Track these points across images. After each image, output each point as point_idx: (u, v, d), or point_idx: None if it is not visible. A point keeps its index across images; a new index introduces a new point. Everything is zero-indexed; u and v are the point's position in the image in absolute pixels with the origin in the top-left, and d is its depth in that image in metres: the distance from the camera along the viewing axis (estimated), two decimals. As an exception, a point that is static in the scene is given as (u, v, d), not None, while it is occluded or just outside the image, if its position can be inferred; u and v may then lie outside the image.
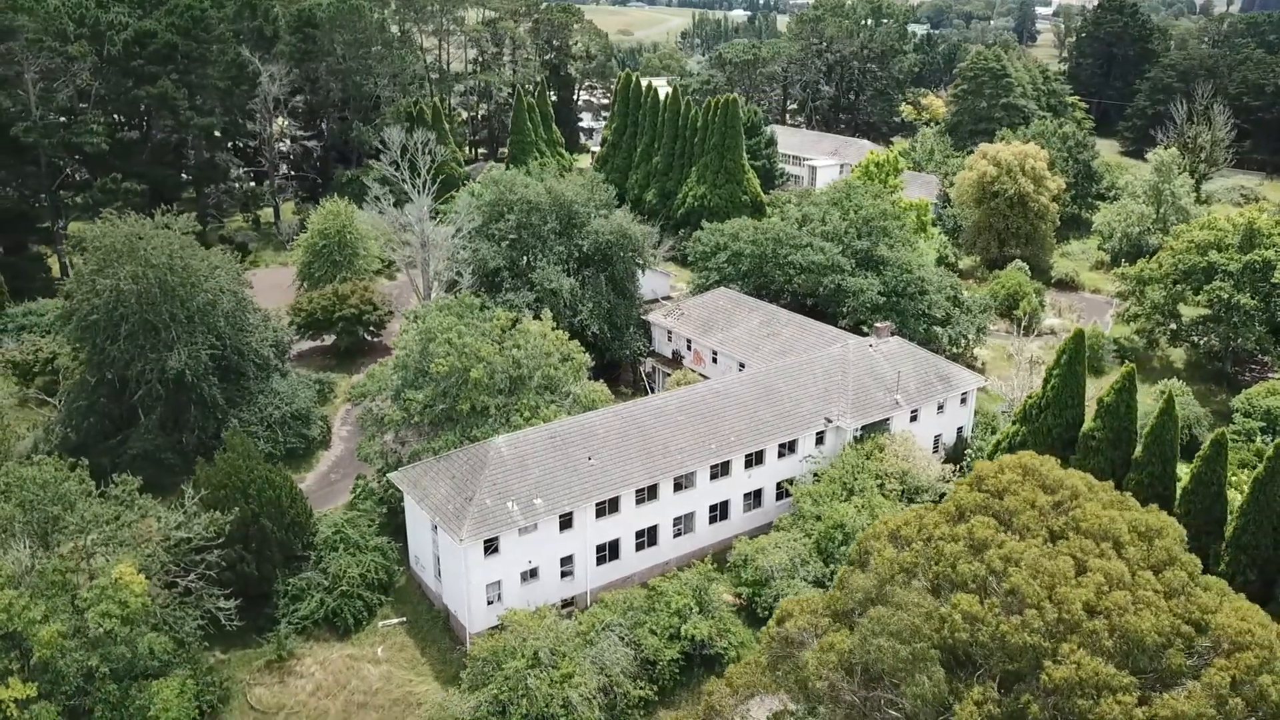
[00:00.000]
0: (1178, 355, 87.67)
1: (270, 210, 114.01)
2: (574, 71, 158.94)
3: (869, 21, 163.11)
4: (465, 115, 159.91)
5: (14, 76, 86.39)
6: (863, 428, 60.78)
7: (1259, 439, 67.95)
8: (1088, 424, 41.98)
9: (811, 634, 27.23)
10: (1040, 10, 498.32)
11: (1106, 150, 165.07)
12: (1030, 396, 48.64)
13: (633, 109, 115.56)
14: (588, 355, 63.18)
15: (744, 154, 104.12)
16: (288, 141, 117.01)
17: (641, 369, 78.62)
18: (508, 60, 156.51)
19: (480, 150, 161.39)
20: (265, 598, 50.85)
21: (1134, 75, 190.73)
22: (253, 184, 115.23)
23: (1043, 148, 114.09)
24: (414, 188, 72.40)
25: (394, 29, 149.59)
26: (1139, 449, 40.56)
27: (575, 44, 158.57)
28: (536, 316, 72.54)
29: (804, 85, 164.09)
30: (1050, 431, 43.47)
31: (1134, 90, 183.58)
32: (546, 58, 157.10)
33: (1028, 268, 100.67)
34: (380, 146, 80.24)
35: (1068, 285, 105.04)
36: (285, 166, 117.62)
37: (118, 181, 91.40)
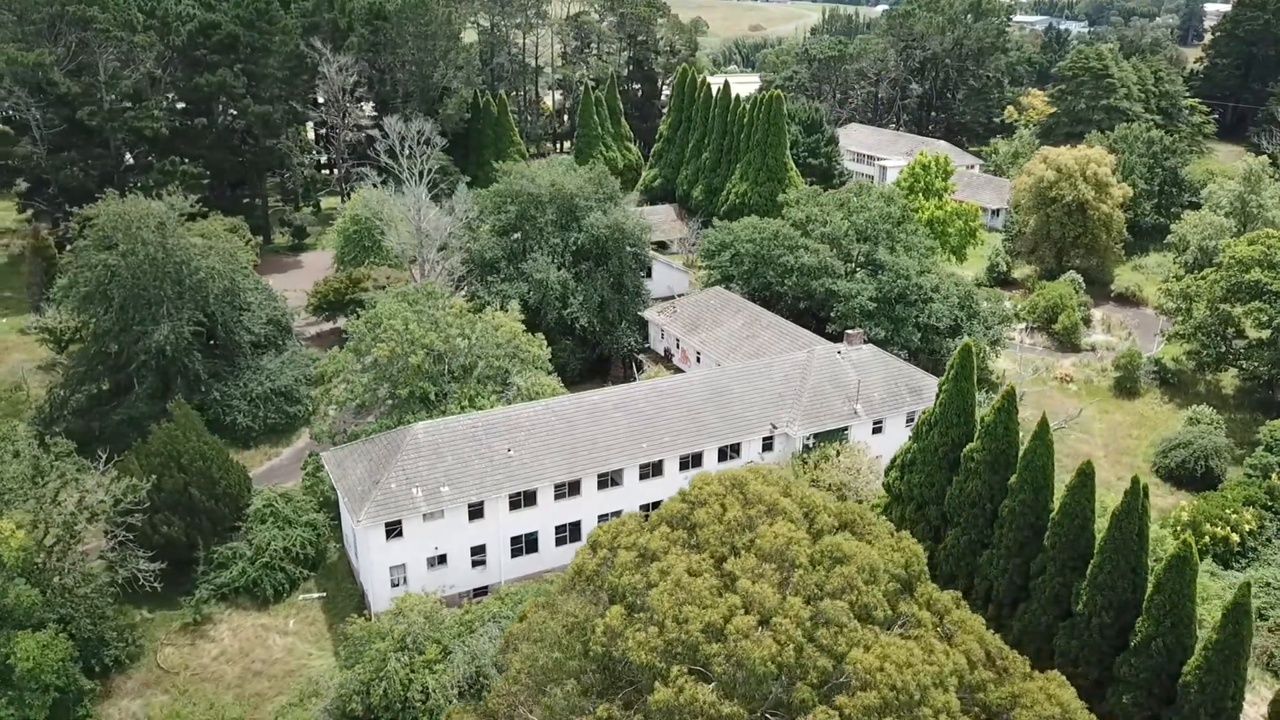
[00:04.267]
0: (1229, 381, 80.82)
1: (338, 197, 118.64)
2: (657, 66, 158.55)
3: (969, 18, 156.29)
4: (548, 109, 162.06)
5: (86, 64, 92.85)
6: (816, 436, 58.73)
7: (1275, 475, 62.08)
8: (973, 444, 39.28)
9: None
10: (1210, 7, 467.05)
11: (1231, 158, 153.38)
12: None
13: (686, 104, 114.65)
14: (547, 347, 63.40)
15: (786, 152, 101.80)
16: (354, 130, 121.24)
17: (634, 365, 78.10)
18: (592, 55, 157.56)
19: (564, 144, 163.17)
20: (193, 563, 53.20)
21: (1274, 77, 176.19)
22: (316, 170, 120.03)
23: (1116, 152, 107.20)
24: (410, 177, 74.02)
25: (484, 21, 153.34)
26: (1014, 475, 37.69)
27: (660, 38, 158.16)
28: (526, 307, 73.48)
29: (892, 83, 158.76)
30: (937, 450, 40.91)
31: (1270, 93, 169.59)
32: (628, 53, 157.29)
33: (1081, 279, 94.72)
34: (379, 135, 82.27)
35: (1129, 300, 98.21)
36: (350, 155, 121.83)
37: (175, 164, 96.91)
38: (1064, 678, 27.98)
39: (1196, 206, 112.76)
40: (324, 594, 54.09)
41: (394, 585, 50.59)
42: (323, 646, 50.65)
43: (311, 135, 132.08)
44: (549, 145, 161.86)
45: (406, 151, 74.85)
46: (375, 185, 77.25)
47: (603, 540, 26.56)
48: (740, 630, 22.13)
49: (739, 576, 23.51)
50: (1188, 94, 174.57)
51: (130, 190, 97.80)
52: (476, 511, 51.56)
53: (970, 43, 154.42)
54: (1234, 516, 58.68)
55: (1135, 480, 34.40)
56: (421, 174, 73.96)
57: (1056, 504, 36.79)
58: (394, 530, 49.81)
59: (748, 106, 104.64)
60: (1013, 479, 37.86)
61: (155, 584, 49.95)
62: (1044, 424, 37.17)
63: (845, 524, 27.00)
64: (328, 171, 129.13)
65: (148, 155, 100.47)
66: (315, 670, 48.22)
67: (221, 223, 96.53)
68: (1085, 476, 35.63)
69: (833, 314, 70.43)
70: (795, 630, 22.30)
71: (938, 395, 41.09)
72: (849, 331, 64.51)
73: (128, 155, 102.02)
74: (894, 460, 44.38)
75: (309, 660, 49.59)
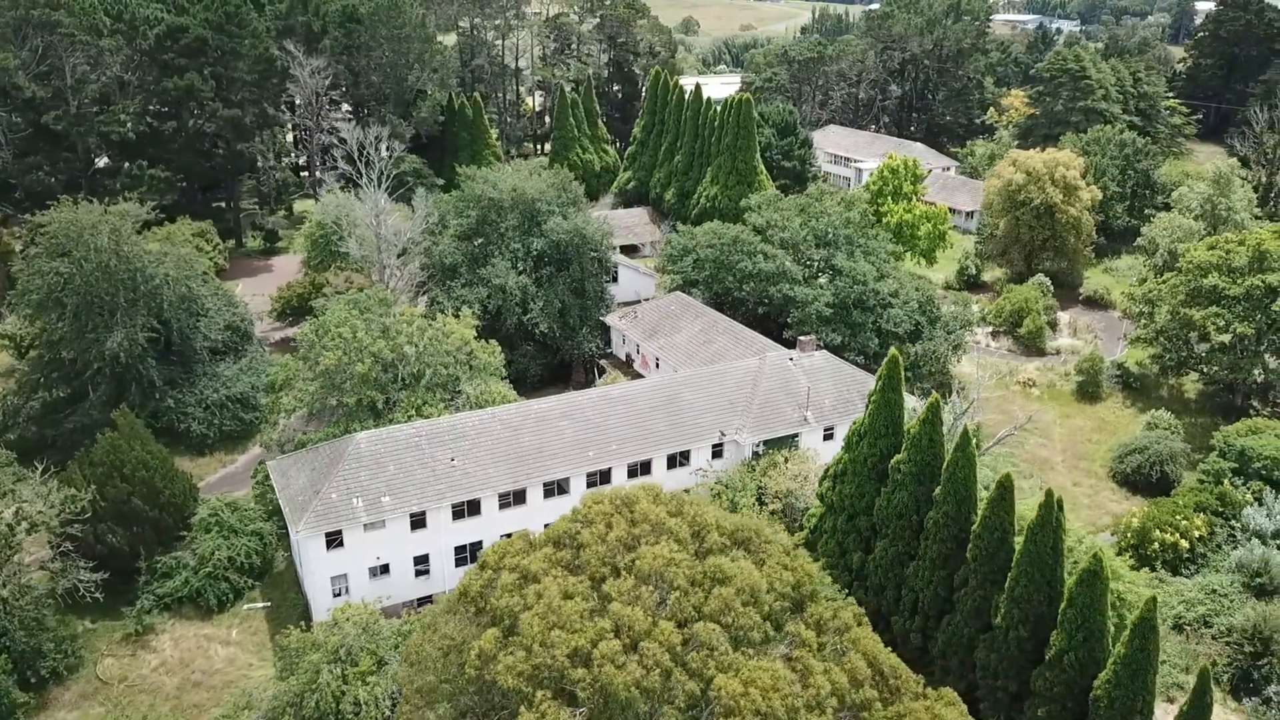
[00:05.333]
0: (1191, 385, 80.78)
1: (313, 200, 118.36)
2: (637, 68, 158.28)
3: (948, 19, 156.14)
4: (532, 110, 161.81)
5: (54, 68, 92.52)
6: (766, 443, 58.65)
7: (1227, 481, 62.08)
8: (900, 456, 39.19)
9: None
10: (1200, 6, 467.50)
11: (1211, 159, 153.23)
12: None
13: (660, 107, 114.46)
14: (500, 354, 63.36)
15: (756, 155, 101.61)
16: (328, 134, 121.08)
17: (596, 370, 78.00)
18: (572, 56, 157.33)
19: (545, 145, 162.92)
20: (137, 573, 53.05)
21: (1255, 78, 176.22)
22: (294, 173, 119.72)
23: (1089, 154, 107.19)
24: (369, 182, 73.87)
25: (463, 23, 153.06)
26: (938, 488, 37.60)
27: (640, 40, 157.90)
28: (486, 312, 73.35)
29: (872, 84, 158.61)
30: (866, 461, 40.82)
31: (1250, 94, 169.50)
32: (609, 55, 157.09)
33: (1050, 282, 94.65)
34: (337, 142, 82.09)
35: (1097, 303, 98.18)
36: (324, 157, 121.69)
37: (143, 168, 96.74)
38: (955, 695, 27.91)
39: (1169, 209, 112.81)
40: (269, 604, 53.97)
41: (336, 595, 50.49)
42: (264, 657, 50.53)
43: (291, 138, 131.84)
44: (530, 147, 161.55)
45: (364, 157, 74.67)
46: (340, 189, 76.98)
47: (490, 560, 26.49)
48: (606, 655, 22.06)
49: (614, 599, 23.42)
50: (1171, 95, 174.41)
51: (99, 195, 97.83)
52: (419, 521, 51.44)
53: (949, 44, 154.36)
54: (1184, 523, 58.70)
55: (1049, 494, 34.31)
56: (380, 179, 73.75)
57: (978, 516, 36.71)
58: (335, 540, 49.70)
59: (719, 109, 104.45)
60: (936, 491, 37.80)
61: (96, 594, 49.97)
62: (966, 436, 37.08)
63: (739, 541, 26.92)
64: (305, 174, 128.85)
65: (117, 159, 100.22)
66: (253, 681, 48.11)
67: (190, 227, 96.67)
68: (1004, 490, 35.54)
69: (790, 320, 70.34)
70: (664, 654, 22.22)
71: (867, 405, 41.00)
72: (801, 338, 64.44)
73: (104, 158, 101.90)
74: (827, 470, 44.34)
75: (249, 671, 49.47)
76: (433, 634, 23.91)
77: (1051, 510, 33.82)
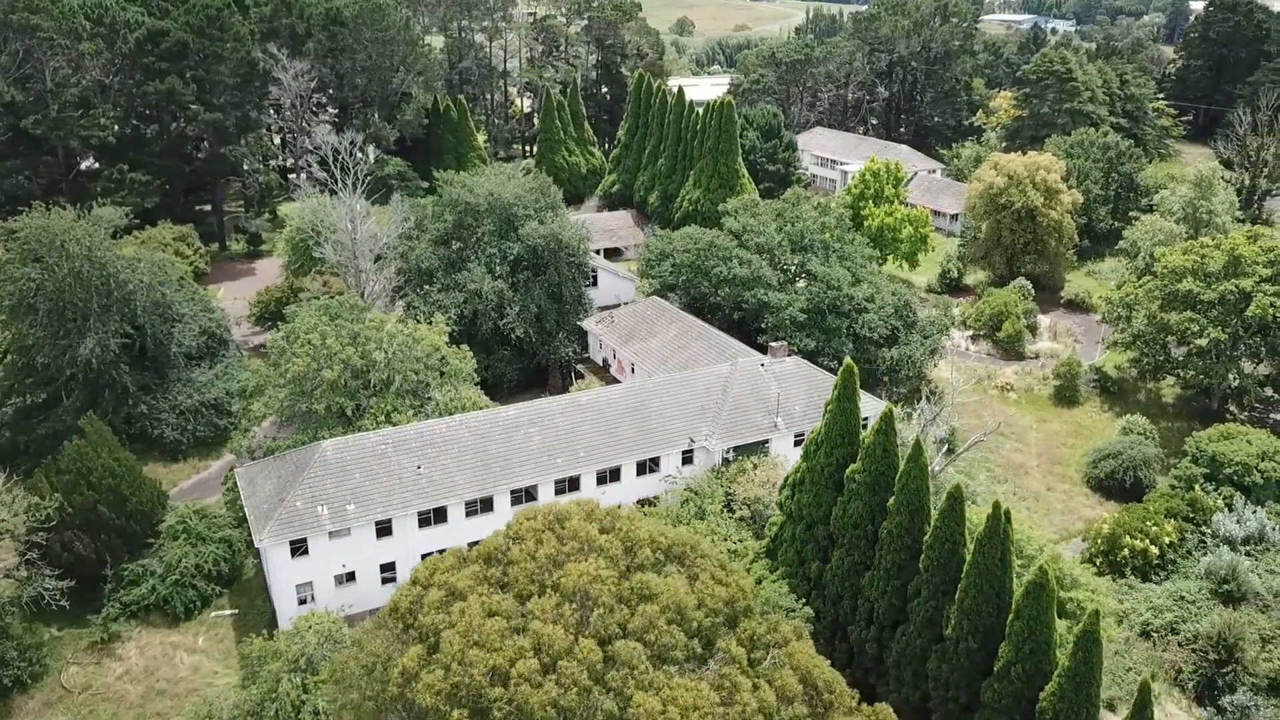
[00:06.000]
0: (1169, 389, 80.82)
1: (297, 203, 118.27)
2: (625, 70, 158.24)
3: (935, 20, 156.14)
4: (519, 112, 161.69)
5: (31, 73, 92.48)
6: (736, 449, 58.67)
7: (1198, 487, 62.09)
8: (854, 466, 39.21)
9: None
10: (1195, 6, 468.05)
11: (1199, 161, 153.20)
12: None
13: (643, 110, 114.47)
14: (472, 360, 63.34)
15: (738, 159, 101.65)
16: (309, 137, 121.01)
17: (574, 375, 77.95)
18: (559, 59, 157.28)
19: (533, 147, 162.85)
20: (104, 580, 53.02)
21: (1244, 80, 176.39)
22: (281, 176, 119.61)
23: (1072, 156, 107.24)
24: (344, 187, 73.81)
25: (450, 25, 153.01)
26: (892, 498, 37.62)
27: (628, 42, 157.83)
28: (463, 317, 73.33)
29: (860, 86, 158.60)
30: (823, 470, 40.85)
31: (1238, 95, 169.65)
32: (596, 57, 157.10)
33: (1031, 286, 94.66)
34: (311, 147, 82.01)
35: (1079, 306, 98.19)
36: (308, 160, 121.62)
37: (124, 172, 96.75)
38: (890, 711, 27.94)
39: (1153, 211, 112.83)
40: (237, 611, 53.95)
41: (301, 602, 50.50)
42: (229, 665, 50.50)
43: (279, 141, 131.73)
44: (519, 149, 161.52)
45: (339, 163, 74.61)
46: (320, 192, 76.91)
47: (421, 576, 26.51)
48: (522, 674, 22.08)
49: (537, 617, 23.43)
50: (1160, 96, 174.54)
51: (80, 199, 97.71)
52: (385, 529, 51.44)
53: (937, 45, 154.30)
54: (1154, 529, 58.73)
55: (997, 505, 34.32)
56: (356, 184, 73.72)
57: (930, 527, 36.73)
58: (300, 548, 49.70)
59: (701, 112, 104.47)
60: (890, 501, 37.82)
61: (61, 602, 50.00)
62: (918, 447, 37.09)
63: (675, 556, 26.91)
64: (293, 176, 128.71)
65: (99, 163, 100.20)
66: (216, 690, 48.07)
67: (170, 230, 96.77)
68: (954, 501, 35.54)
69: (764, 325, 70.35)
70: (582, 673, 22.24)
71: (824, 414, 41.01)
72: (772, 344, 64.45)
73: (91, 161, 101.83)
74: (787, 479, 44.36)
75: (214, 679, 49.44)
76: (358, 651, 23.92)
77: (999, 522, 33.81)
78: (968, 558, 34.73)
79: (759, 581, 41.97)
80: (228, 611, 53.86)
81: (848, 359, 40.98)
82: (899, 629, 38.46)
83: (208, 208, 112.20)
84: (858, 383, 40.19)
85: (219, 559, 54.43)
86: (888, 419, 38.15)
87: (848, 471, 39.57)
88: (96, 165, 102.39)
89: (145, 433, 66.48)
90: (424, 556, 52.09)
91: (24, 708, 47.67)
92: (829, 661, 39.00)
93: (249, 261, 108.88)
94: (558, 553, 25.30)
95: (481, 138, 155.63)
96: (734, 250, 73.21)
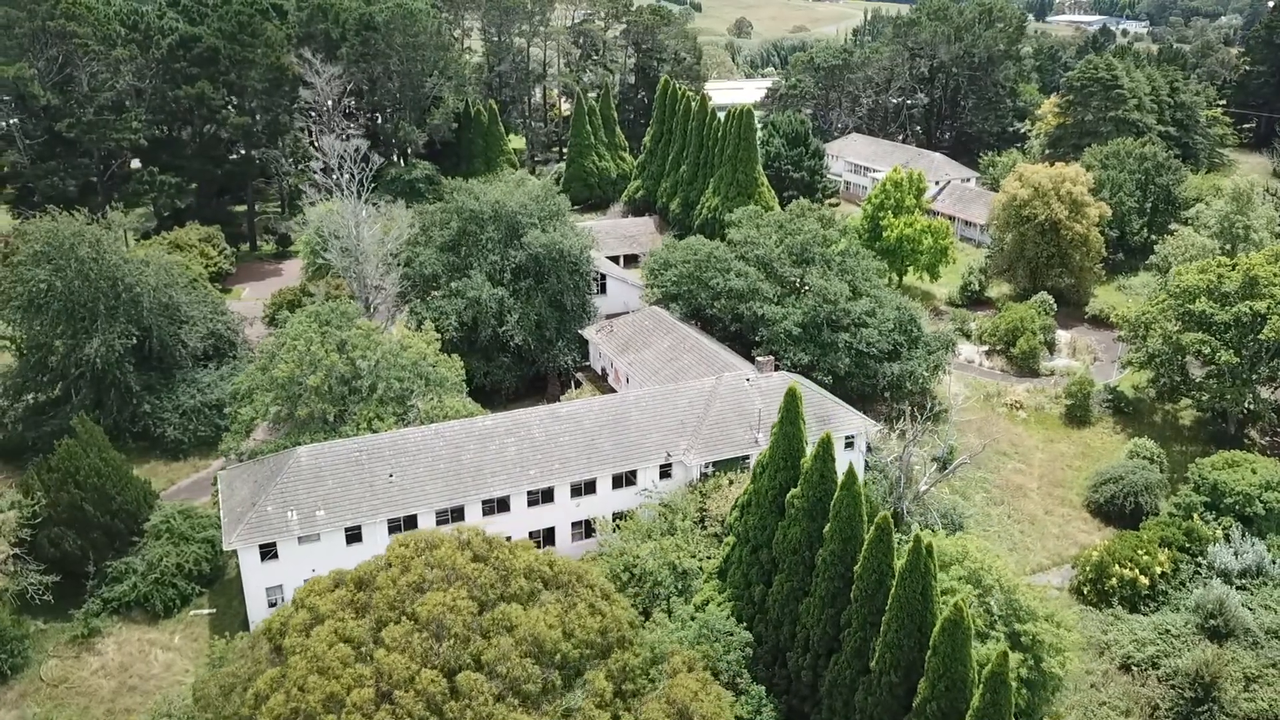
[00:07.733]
0: (1187, 412, 78.21)
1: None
2: (663, 75, 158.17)
3: (978, 26, 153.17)
4: (558, 114, 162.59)
5: (68, 77, 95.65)
6: (715, 465, 58.33)
7: (1197, 516, 60.11)
8: (794, 490, 38.70)
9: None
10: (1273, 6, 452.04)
11: (1256, 170, 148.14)
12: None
13: (668, 116, 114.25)
14: (460, 369, 63.86)
15: (758, 166, 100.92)
16: (344, 140, 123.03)
17: (573, 383, 78.20)
18: (598, 63, 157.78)
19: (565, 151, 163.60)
20: (88, 577, 54.63)
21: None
22: (304, 177, 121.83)
23: (1107, 167, 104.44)
24: (347, 193, 74.95)
25: (489, 29, 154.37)
26: (828, 524, 37.05)
27: (666, 47, 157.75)
28: (463, 324, 74.02)
29: (900, 92, 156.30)
30: (767, 493, 40.38)
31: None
32: (634, 61, 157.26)
33: (1052, 300, 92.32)
34: (317, 154, 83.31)
35: (1103, 322, 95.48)
36: (343, 163, 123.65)
37: (154, 175, 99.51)
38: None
39: (1188, 225, 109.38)
40: (214, 610, 55.16)
41: (271, 605, 51.29)
42: (201, 663, 51.62)
43: (314, 145, 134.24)
44: (556, 152, 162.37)
45: (345, 171, 75.81)
46: (334, 196, 78.39)
47: (298, 598, 26.86)
48: (356, 703, 22.27)
49: (386, 644, 23.60)
50: (1221, 102, 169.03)
51: (113, 199, 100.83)
52: (355, 536, 52.16)
53: (980, 51, 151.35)
54: (1146, 558, 57.00)
55: (918, 539, 33.59)
56: (360, 190, 74.83)
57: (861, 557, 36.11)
58: (269, 552, 50.66)
59: (722, 119, 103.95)
60: (826, 528, 37.30)
61: (44, 596, 51.69)
62: (851, 474, 36.49)
63: (560, 585, 26.85)
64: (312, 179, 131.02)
65: (139, 163, 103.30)
66: (179, 689, 49.19)
67: (197, 232, 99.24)
68: (883, 531, 34.87)
69: (759, 338, 69.79)
70: (418, 704, 22.34)
71: (770, 436, 40.57)
72: (760, 358, 63.91)
73: (132, 162, 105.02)
74: (736, 500, 43.97)
75: (185, 677, 50.51)
76: (218, 671, 24.39)
77: (920, 556, 33.10)
78: (892, 590, 34.11)
79: (704, 604, 41.72)
80: (205, 611, 55.11)
81: (792, 383, 40.46)
82: (833, 657, 37.91)
83: (242, 208, 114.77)
84: (802, 407, 39.66)
85: (200, 559, 55.66)
86: (826, 445, 37.60)
87: (788, 496, 39.12)
88: (136, 166, 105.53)
89: (149, 431, 68.33)
90: (394, 563, 53.30)
91: (3, 699, 49.31)
92: (765, 688, 38.93)
93: (276, 262, 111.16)
94: (422, 580, 25.51)
95: (519, 141, 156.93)
96: (732, 262, 72.74)
